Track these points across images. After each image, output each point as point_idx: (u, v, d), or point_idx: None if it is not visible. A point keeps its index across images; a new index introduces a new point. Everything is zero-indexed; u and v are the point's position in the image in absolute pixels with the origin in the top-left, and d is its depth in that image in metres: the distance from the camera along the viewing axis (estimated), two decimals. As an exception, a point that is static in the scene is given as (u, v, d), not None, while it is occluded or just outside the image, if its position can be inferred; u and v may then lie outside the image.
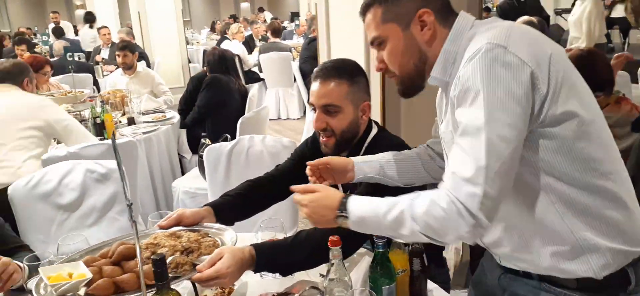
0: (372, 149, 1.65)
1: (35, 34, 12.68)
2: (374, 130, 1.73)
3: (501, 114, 1.02)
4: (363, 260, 1.42)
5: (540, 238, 1.15)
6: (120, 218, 2.32)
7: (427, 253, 1.39)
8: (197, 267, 1.28)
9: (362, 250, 1.67)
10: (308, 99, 1.79)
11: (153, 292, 1.10)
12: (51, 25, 11.18)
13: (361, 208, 1.16)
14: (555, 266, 1.15)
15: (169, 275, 1.16)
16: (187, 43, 8.80)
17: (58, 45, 6.54)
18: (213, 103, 4.06)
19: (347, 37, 2.85)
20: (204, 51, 7.15)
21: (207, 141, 3.42)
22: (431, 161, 1.51)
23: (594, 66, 2.41)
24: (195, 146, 3.87)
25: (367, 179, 1.51)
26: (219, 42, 7.48)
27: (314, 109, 1.68)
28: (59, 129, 2.79)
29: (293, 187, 1.28)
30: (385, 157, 1.52)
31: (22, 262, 1.49)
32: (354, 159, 1.52)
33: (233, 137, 3.31)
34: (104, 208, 2.29)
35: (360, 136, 1.70)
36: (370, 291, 1.09)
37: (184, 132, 4.26)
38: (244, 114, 4.03)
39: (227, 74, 4.14)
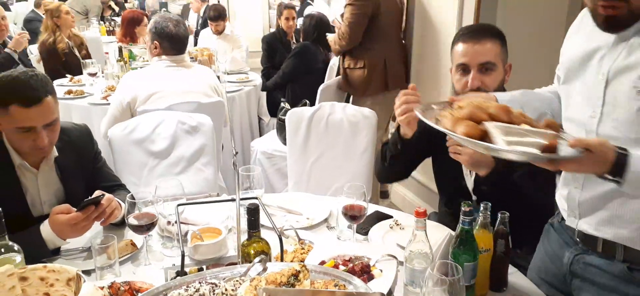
0: None
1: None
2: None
3: None
4: (444, 235, 1.41)
5: None
6: (205, 170, 2.44)
7: (521, 240, 1.35)
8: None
9: (443, 226, 1.67)
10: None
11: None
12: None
13: None
14: None
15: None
16: (269, 8, 8.94)
17: (153, 0, 6.87)
18: (298, 71, 4.15)
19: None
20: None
21: (287, 105, 3.51)
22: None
23: None
24: (274, 109, 3.97)
25: None
26: (303, 7, 7.54)
27: (464, 70, 1.71)
28: None
29: (574, 142, 1.07)
30: (524, 97, 1.44)
31: (123, 200, 1.62)
32: (497, 94, 1.41)
33: (312, 103, 3.36)
34: (191, 158, 2.42)
35: None
36: (454, 264, 1.09)
37: (264, 95, 4.39)
38: (323, 81, 4.07)
39: (315, 43, 4.19)
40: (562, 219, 1.43)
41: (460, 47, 1.73)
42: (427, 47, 3.21)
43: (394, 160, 1.77)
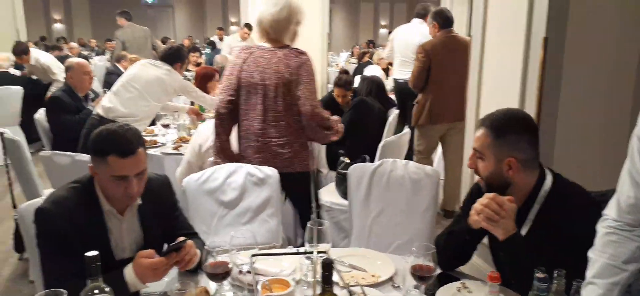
0: (550, 203, 1.66)
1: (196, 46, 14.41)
2: (549, 180, 1.70)
3: None
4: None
5: None
6: (270, 221, 2.53)
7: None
8: None
9: (511, 292, 1.64)
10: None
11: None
12: (214, 38, 12.75)
13: None
14: None
15: None
16: (328, 65, 9.21)
17: (221, 58, 7.26)
18: (355, 125, 4.24)
19: (502, 60, 2.79)
20: (343, 74, 7.45)
21: (346, 159, 3.58)
22: None
23: None
24: (333, 162, 4.05)
25: None
26: (363, 66, 7.74)
27: None
28: None
29: None
30: (613, 278, 1.38)
31: (201, 248, 1.72)
32: None
33: (371, 158, 3.41)
34: (257, 209, 2.52)
35: (532, 187, 1.70)
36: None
37: (323, 148, 4.49)
38: (381, 137, 4.13)
39: (372, 98, 4.31)
40: None
41: None
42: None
43: (460, 248, 1.85)
